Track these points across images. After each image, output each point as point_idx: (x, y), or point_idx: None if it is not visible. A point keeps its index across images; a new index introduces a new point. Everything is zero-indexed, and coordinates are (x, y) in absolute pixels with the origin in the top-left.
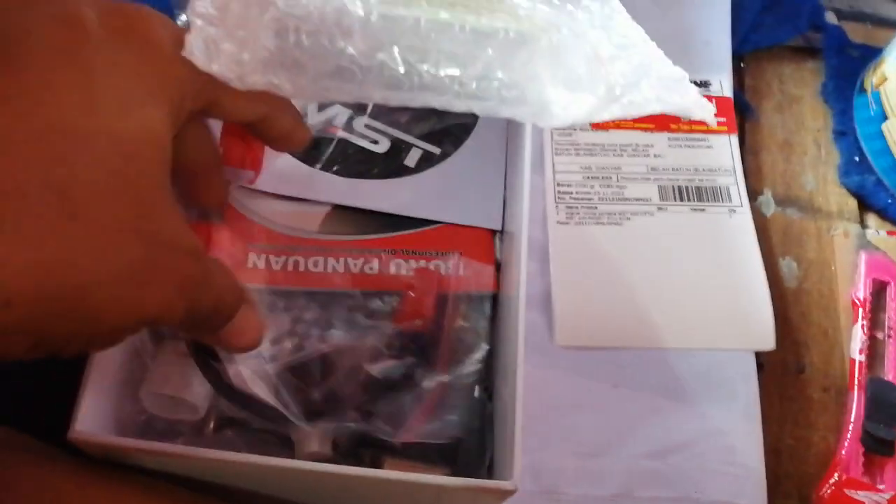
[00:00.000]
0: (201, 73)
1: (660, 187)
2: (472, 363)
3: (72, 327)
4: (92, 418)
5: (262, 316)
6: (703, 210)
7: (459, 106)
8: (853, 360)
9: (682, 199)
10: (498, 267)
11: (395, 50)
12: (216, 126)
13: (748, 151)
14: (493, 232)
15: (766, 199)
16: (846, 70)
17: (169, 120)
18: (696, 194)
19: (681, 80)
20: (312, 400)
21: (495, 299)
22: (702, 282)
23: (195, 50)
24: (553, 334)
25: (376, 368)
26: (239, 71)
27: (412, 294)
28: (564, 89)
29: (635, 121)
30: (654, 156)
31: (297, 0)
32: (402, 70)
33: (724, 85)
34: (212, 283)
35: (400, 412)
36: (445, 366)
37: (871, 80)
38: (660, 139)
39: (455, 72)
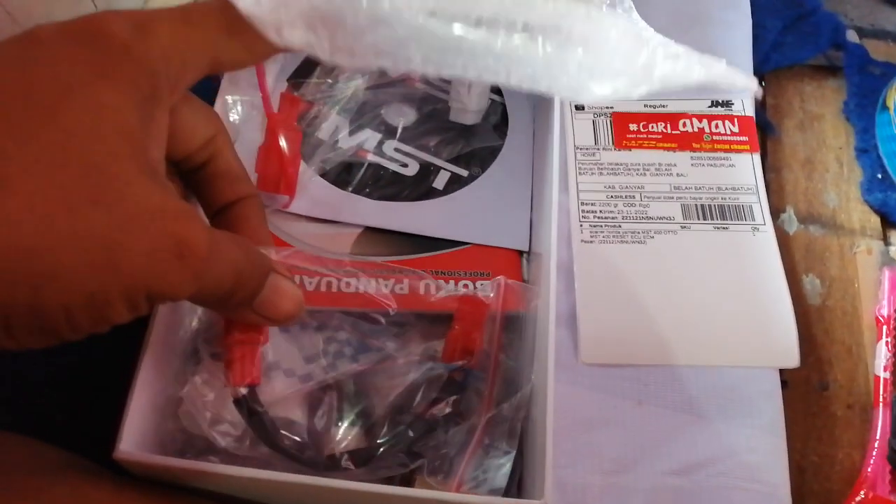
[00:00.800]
0: (181, 44)
1: (683, 206)
2: (520, 396)
3: (35, 294)
4: (135, 438)
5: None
6: (726, 228)
7: (498, 72)
8: (877, 378)
9: (705, 218)
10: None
11: (439, 5)
12: (252, 152)
13: (770, 169)
14: (520, 253)
15: (789, 216)
16: (868, 88)
17: (129, 97)
18: (720, 213)
19: (720, 62)
20: (359, 444)
21: (525, 318)
22: (726, 300)
23: None
24: (578, 352)
25: (423, 407)
26: (278, 21)
27: (458, 327)
28: (605, 61)
29: (658, 140)
30: (677, 175)
31: None
32: (443, 30)
33: (745, 104)
34: (222, 253)
35: (450, 454)
36: (492, 400)
37: (894, 97)
38: (682, 158)
39: (498, 32)
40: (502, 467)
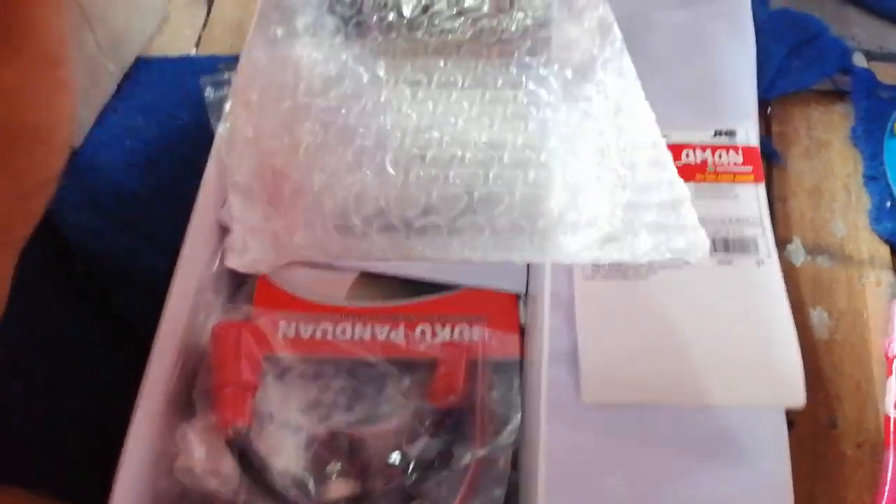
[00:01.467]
0: None
1: None
2: (508, 434)
3: None
4: (129, 493)
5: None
6: (729, 262)
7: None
8: (888, 417)
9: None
10: (522, 331)
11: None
12: None
13: (776, 199)
14: (518, 295)
15: (796, 247)
16: (876, 113)
17: None
18: (724, 246)
19: (682, 201)
20: (354, 490)
21: (521, 364)
22: (730, 336)
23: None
24: (580, 391)
25: (414, 449)
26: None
27: (442, 369)
28: (569, 227)
29: None
30: None
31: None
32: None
33: (750, 133)
34: None
35: (442, 494)
36: (482, 440)
37: None
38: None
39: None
40: (500, 494)
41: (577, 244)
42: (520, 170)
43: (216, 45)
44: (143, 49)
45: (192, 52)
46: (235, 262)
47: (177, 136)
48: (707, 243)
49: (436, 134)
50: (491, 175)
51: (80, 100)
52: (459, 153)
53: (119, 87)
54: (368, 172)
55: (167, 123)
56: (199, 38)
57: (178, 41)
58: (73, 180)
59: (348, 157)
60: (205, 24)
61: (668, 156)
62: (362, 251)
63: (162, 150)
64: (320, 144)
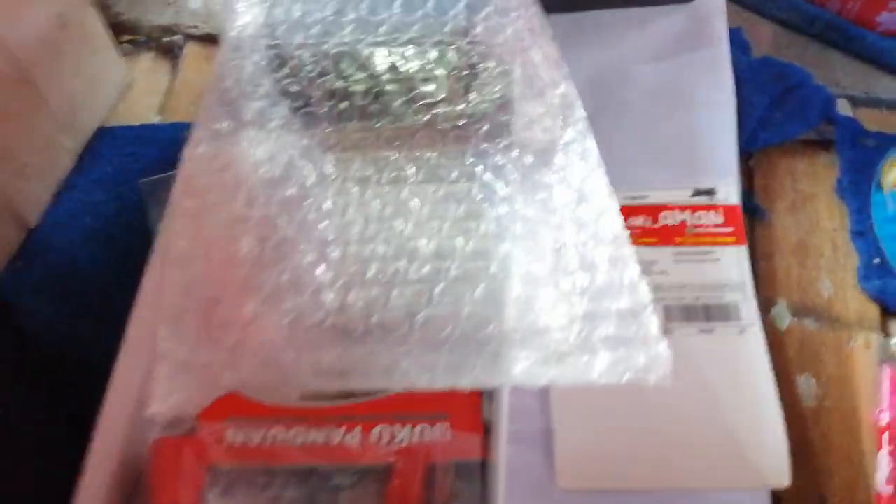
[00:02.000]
0: None
1: (665, 307)
2: None
3: None
4: None
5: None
6: (710, 331)
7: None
8: (879, 495)
9: (688, 320)
10: (487, 429)
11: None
12: None
13: (760, 257)
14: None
15: (781, 309)
16: (862, 163)
17: None
18: (704, 313)
19: (643, 308)
20: None
21: (484, 465)
22: (710, 413)
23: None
24: (555, 475)
25: None
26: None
27: (397, 481)
28: (523, 344)
29: (638, 235)
30: (659, 273)
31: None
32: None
33: (730, 192)
34: None
35: None
36: None
37: (888, 178)
38: (664, 254)
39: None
40: None
41: (530, 361)
42: (468, 284)
43: (180, 112)
44: (103, 118)
45: (155, 119)
46: (159, 408)
47: (138, 210)
48: (669, 359)
49: (380, 247)
50: (436, 292)
51: (35, 179)
52: (404, 267)
53: (79, 157)
54: (304, 296)
55: (128, 197)
56: (163, 104)
57: (141, 108)
58: (29, 262)
59: (284, 277)
60: (168, 91)
61: (631, 251)
62: (297, 383)
63: (122, 225)
64: (255, 263)
